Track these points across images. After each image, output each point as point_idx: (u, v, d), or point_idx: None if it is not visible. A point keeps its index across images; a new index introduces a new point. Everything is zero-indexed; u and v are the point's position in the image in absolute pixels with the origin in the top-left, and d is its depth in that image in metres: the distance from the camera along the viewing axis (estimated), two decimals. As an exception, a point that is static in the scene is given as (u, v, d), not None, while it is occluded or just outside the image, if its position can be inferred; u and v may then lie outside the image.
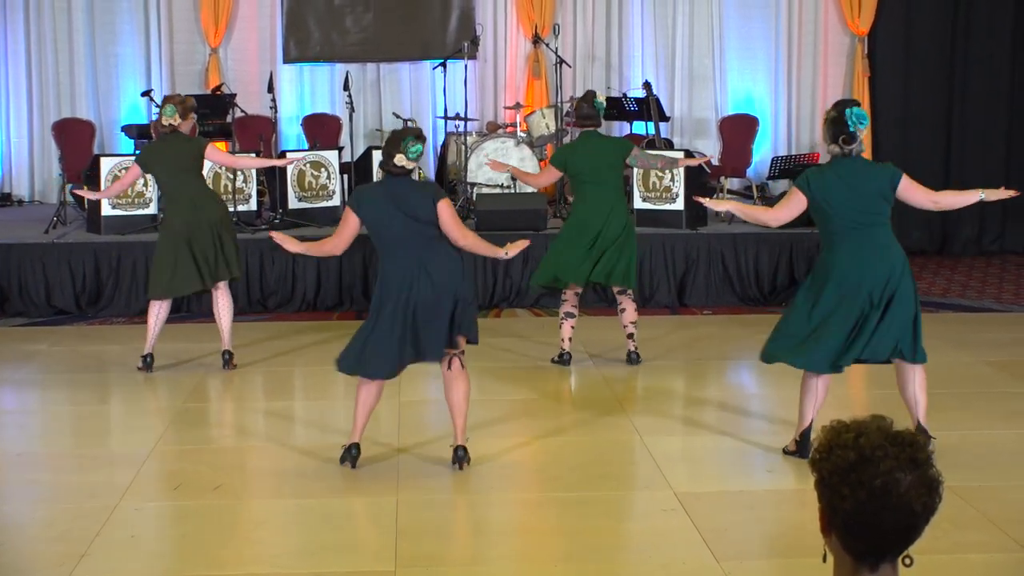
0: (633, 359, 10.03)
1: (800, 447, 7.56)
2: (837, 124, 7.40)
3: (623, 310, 10.03)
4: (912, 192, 7.65)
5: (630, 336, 10.05)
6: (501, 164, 10.15)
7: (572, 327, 10.05)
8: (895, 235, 7.68)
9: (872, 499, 2.78)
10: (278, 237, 7.52)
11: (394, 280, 7.24)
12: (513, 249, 7.40)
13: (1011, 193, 7.85)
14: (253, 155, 9.96)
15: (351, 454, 7.51)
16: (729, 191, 14.62)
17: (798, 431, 7.63)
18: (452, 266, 7.29)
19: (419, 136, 7.27)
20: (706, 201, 8.16)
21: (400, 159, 7.17)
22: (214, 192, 10.32)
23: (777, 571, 6.15)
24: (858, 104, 7.49)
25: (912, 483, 2.78)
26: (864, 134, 7.47)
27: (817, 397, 7.54)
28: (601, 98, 9.85)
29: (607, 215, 9.66)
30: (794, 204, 7.54)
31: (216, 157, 9.92)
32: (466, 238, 7.35)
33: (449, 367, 7.47)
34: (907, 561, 2.87)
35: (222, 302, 9.90)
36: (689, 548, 6.30)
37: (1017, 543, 6.32)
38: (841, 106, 7.47)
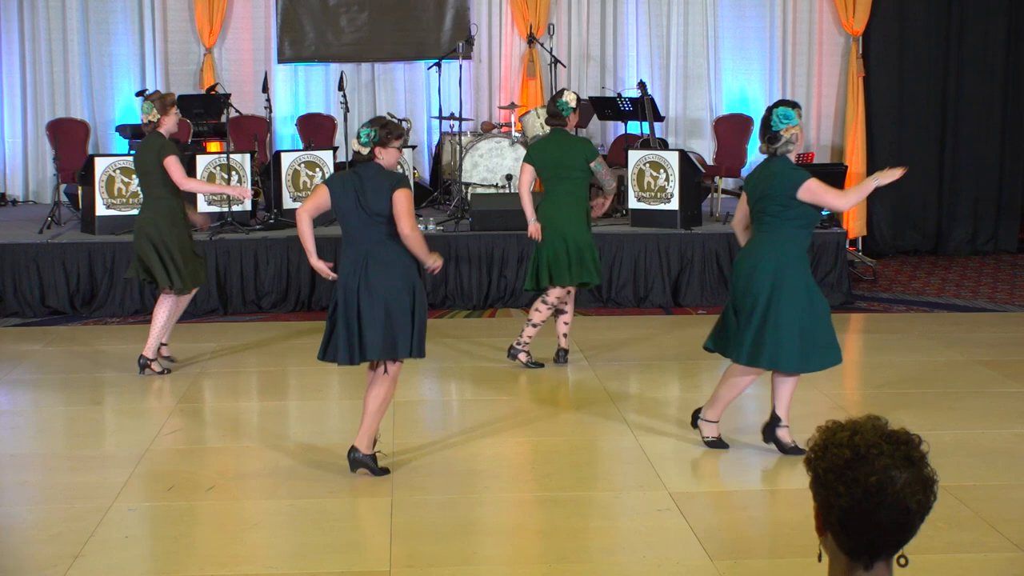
0: (562, 358, 10.14)
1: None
2: (764, 124, 7.53)
3: (564, 311, 10.03)
4: (817, 197, 7.45)
5: (565, 336, 10.14)
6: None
7: (566, 323, 10.08)
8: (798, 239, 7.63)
9: (867, 497, 2.78)
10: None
11: (343, 270, 7.29)
12: (435, 262, 7.41)
13: (900, 171, 7.78)
14: (203, 180, 9.68)
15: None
16: (723, 191, 14.62)
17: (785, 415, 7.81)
18: (393, 271, 7.23)
19: (378, 123, 7.29)
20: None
21: (354, 144, 7.28)
22: (173, 206, 9.71)
23: (772, 571, 6.15)
24: (790, 104, 7.57)
25: (907, 481, 2.78)
26: (792, 133, 7.45)
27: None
28: (568, 97, 9.80)
29: (572, 213, 9.72)
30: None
31: (170, 171, 9.62)
32: (413, 231, 7.21)
33: (374, 368, 7.42)
34: (902, 560, 2.87)
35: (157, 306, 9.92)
36: (683, 548, 6.30)
37: (1011, 542, 6.32)
38: (772, 106, 7.58)
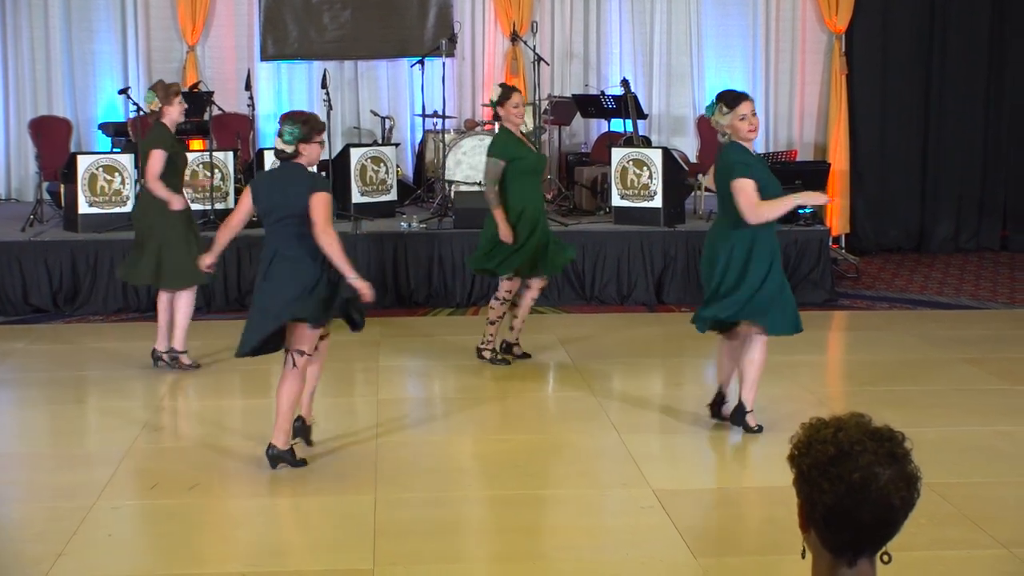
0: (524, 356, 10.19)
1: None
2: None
3: (517, 305, 10.05)
4: (737, 196, 7.66)
5: (519, 330, 10.19)
6: None
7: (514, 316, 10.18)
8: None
9: (851, 493, 2.78)
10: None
11: (261, 262, 7.43)
12: (363, 288, 7.29)
13: (826, 199, 8.22)
14: (163, 184, 9.61)
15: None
16: (707, 189, 14.62)
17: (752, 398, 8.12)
18: (289, 278, 7.24)
19: (299, 118, 7.29)
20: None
21: (276, 143, 7.30)
22: (154, 198, 9.69)
23: (755, 568, 6.16)
24: (730, 91, 7.85)
25: (891, 477, 2.78)
26: (725, 122, 7.71)
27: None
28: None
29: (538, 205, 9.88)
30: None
31: (149, 160, 9.61)
32: (327, 235, 7.17)
33: (284, 363, 7.48)
34: (885, 558, 2.87)
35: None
36: (667, 545, 6.31)
37: (994, 539, 6.34)
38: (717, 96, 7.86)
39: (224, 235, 7.77)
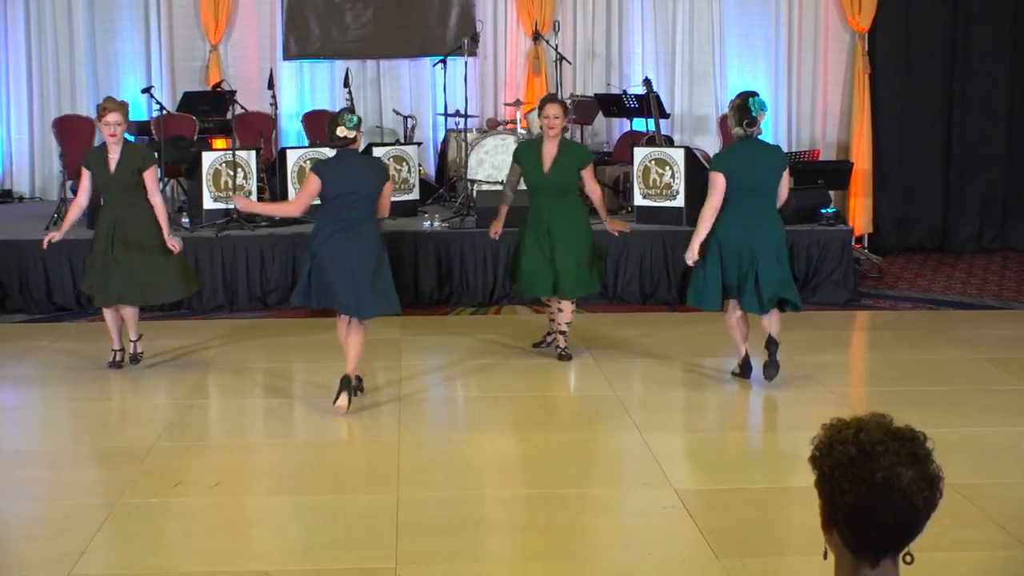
0: (565, 357, 10.10)
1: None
2: (742, 111, 8.88)
3: (560, 310, 10.10)
4: (782, 184, 9.05)
5: (563, 334, 10.14)
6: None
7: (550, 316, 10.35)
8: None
9: (873, 494, 2.77)
10: (239, 202, 9.24)
11: (325, 231, 8.61)
12: None
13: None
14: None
15: None
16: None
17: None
18: (373, 235, 8.63)
19: (352, 111, 8.95)
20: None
21: (339, 131, 8.51)
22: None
23: (777, 569, 6.15)
24: (758, 95, 8.95)
25: (913, 478, 2.78)
26: (763, 119, 8.96)
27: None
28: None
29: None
30: (718, 185, 8.91)
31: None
32: (387, 215, 8.92)
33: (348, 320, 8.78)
34: (907, 558, 2.87)
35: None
36: (689, 545, 6.30)
37: (1017, 540, 6.31)
38: (745, 95, 8.91)
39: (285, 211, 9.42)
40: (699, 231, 9.02)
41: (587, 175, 9.95)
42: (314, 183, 8.55)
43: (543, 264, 9.86)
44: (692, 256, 9.04)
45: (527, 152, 10.05)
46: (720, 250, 8.99)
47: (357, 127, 8.54)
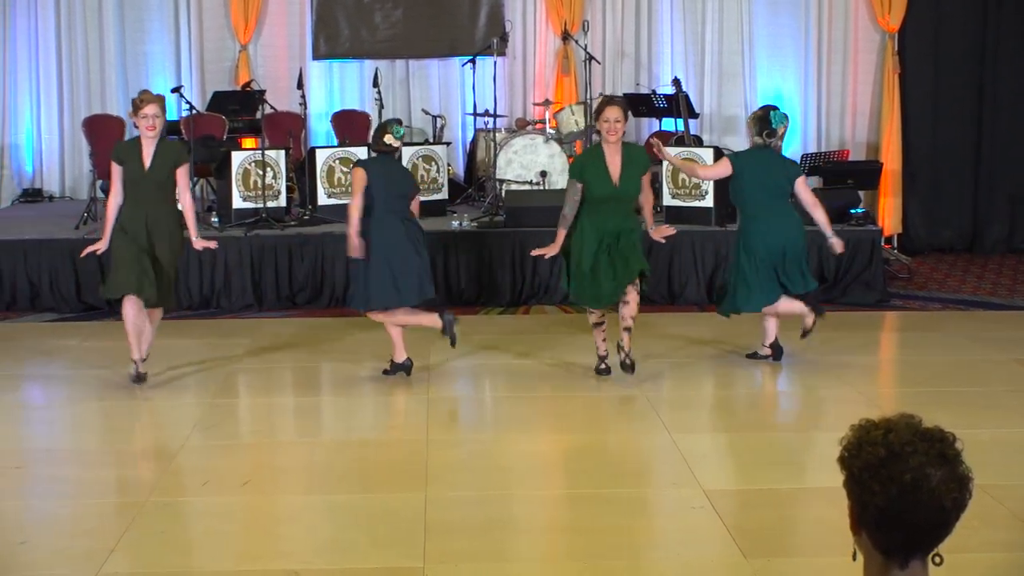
0: (627, 366, 9.37)
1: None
2: (763, 122, 9.49)
3: (626, 303, 9.33)
4: (802, 190, 9.65)
5: (628, 330, 9.35)
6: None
7: (603, 336, 9.62)
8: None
9: (903, 494, 2.77)
10: (354, 252, 9.21)
11: (380, 230, 9.11)
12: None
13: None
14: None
15: None
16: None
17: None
18: (423, 246, 9.34)
19: (399, 122, 9.39)
20: (659, 150, 10.03)
21: (388, 139, 9.19)
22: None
23: (806, 570, 6.13)
24: (779, 108, 9.70)
25: (942, 478, 2.77)
26: (783, 131, 9.57)
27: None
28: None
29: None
30: (721, 168, 9.78)
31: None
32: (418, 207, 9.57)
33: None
34: (937, 559, 2.86)
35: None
36: (717, 546, 6.29)
37: (1048, 542, 6.29)
38: (767, 108, 9.59)
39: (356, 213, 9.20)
40: (679, 160, 10.99)
41: (645, 180, 9.27)
42: (362, 177, 9.08)
43: (611, 279, 9.18)
44: (663, 152, 10.02)
45: (590, 165, 9.19)
46: (755, 259, 9.56)
47: (402, 138, 9.29)
